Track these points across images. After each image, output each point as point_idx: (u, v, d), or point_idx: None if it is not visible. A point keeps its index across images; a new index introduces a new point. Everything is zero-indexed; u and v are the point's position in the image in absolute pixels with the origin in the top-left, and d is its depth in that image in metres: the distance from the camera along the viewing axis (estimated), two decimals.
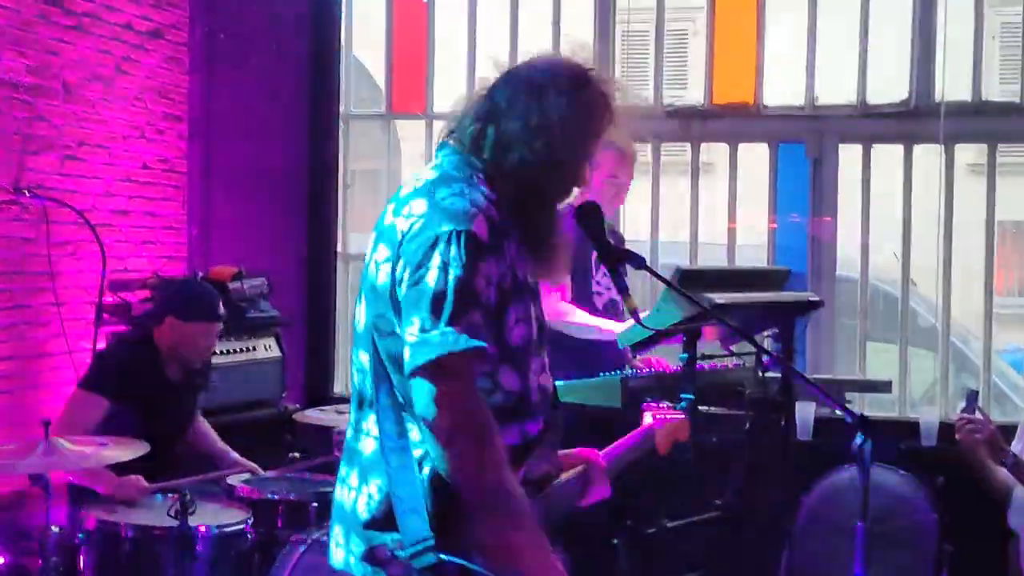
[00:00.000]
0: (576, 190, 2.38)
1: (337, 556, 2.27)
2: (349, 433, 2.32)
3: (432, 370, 2.07)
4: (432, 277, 2.08)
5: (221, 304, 4.34)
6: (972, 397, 4.21)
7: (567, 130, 2.22)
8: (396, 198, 2.24)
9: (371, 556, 2.19)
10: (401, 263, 2.13)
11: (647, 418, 2.81)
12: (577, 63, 2.28)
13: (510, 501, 2.10)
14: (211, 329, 4.26)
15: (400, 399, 2.17)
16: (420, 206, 2.16)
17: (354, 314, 2.29)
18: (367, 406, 2.24)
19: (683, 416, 2.82)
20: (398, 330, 2.13)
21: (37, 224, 4.75)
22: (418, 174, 2.27)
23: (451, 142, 2.29)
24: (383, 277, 2.16)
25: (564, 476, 2.45)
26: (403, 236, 2.14)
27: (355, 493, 2.23)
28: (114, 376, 4.09)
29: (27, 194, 4.67)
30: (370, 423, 2.22)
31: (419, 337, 2.07)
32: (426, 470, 2.15)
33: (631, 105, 2.33)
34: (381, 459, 2.17)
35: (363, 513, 2.21)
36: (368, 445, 2.23)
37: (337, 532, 2.28)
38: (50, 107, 4.84)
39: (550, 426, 2.33)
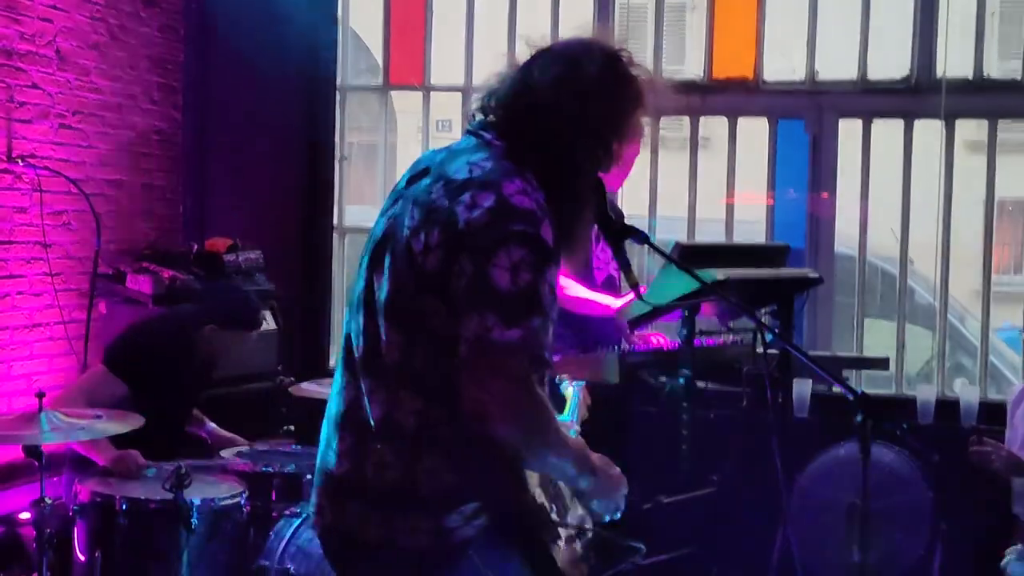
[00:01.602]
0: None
1: (369, 535, 2.19)
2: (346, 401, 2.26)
3: (491, 371, 2.05)
4: (501, 277, 2.06)
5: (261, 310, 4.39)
6: (975, 440, 4.21)
7: (606, 109, 2.22)
8: (442, 176, 2.18)
9: (449, 535, 2.16)
10: (463, 255, 2.09)
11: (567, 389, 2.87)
12: (610, 44, 2.27)
13: (581, 459, 2.22)
14: (249, 337, 4.31)
15: (450, 377, 2.11)
16: (485, 197, 2.11)
17: (367, 281, 2.23)
18: (407, 383, 2.17)
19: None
20: (444, 312, 2.10)
21: (30, 193, 4.72)
22: (469, 157, 2.20)
23: (491, 120, 2.25)
24: (433, 263, 2.11)
25: None
26: (466, 226, 2.10)
27: (399, 469, 2.17)
28: (142, 365, 4.04)
29: (20, 163, 4.63)
30: (417, 399, 2.16)
31: (482, 337, 2.04)
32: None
33: (662, 85, 2.32)
34: (439, 435, 2.14)
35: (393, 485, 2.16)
36: (408, 419, 2.17)
37: (369, 513, 2.20)
38: (44, 75, 4.80)
39: None
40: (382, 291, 2.19)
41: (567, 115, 2.20)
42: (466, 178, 2.16)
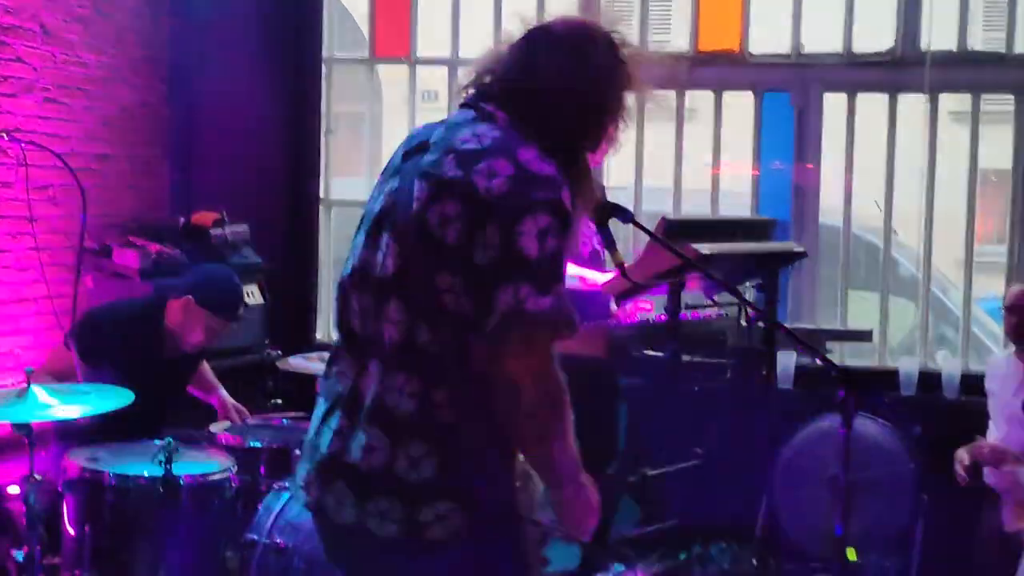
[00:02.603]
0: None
1: (344, 516, 2.18)
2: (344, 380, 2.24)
3: (527, 340, 2.05)
4: (530, 245, 2.05)
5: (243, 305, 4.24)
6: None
7: (609, 96, 2.23)
8: (453, 150, 2.14)
9: (416, 524, 2.12)
10: (487, 225, 2.07)
11: None
12: (607, 27, 2.28)
13: (575, 463, 2.19)
14: (225, 327, 4.14)
15: (458, 357, 2.11)
16: (504, 166, 2.10)
17: (363, 259, 2.20)
18: (409, 363, 2.14)
19: None
20: (460, 287, 2.08)
21: (16, 168, 4.70)
22: (474, 128, 2.18)
23: (490, 95, 2.24)
24: (452, 235, 2.08)
25: None
26: (487, 194, 2.08)
27: (385, 453, 2.14)
28: (113, 349, 3.97)
29: (5, 137, 4.61)
30: (413, 380, 2.14)
31: (517, 307, 2.04)
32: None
33: (657, 63, 2.33)
34: (435, 418, 2.12)
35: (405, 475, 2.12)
36: (402, 402, 2.14)
37: (347, 492, 2.17)
38: (28, 49, 4.77)
39: None
40: (384, 268, 2.16)
41: (574, 102, 2.20)
42: (477, 148, 2.14)
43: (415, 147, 2.23)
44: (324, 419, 2.25)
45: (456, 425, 2.12)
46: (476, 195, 2.08)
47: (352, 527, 2.17)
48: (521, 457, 2.23)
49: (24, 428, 3.50)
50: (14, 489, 4.32)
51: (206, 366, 4.46)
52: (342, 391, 2.23)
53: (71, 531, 3.63)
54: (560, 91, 2.20)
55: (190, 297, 4.04)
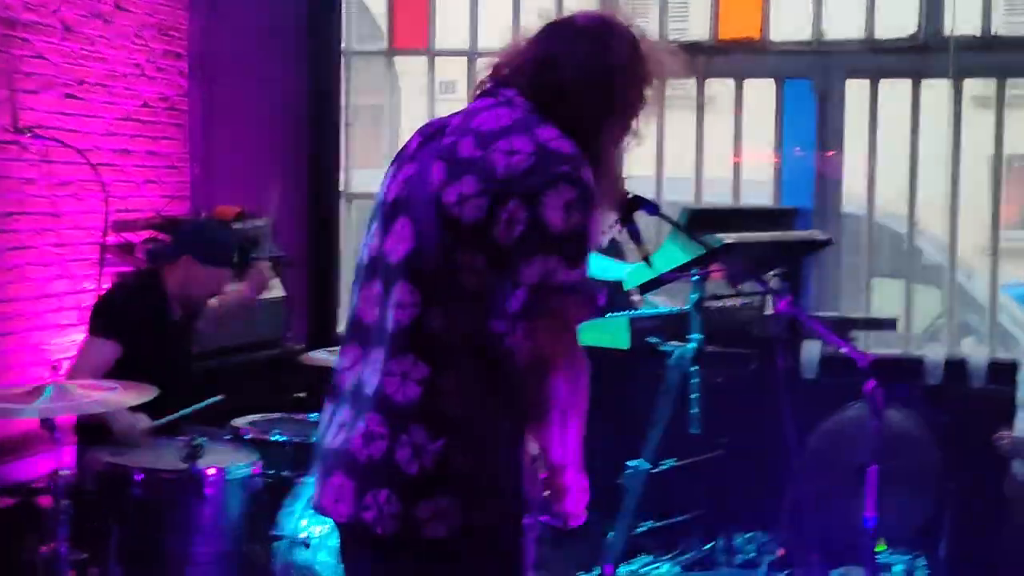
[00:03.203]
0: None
1: (341, 511, 2.13)
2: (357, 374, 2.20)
3: (558, 314, 2.03)
4: (556, 218, 2.03)
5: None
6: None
7: (631, 92, 2.22)
8: (470, 131, 2.14)
9: (414, 518, 2.06)
10: (512, 201, 2.04)
11: None
12: (628, 21, 2.27)
13: (576, 452, 2.16)
14: (225, 275, 4.29)
15: (471, 340, 2.08)
16: (523, 143, 2.09)
17: (376, 246, 2.18)
18: (416, 347, 2.10)
19: None
20: (481, 265, 2.06)
21: (38, 164, 4.71)
22: (494, 112, 2.17)
23: (509, 84, 2.22)
24: (472, 212, 2.06)
25: None
26: (507, 171, 2.06)
27: (385, 442, 2.08)
28: (121, 317, 4.07)
29: (27, 134, 4.62)
30: (419, 365, 2.09)
31: (547, 280, 2.02)
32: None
33: (673, 57, 2.29)
34: (441, 406, 2.07)
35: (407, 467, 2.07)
36: (406, 388, 2.09)
37: (345, 485, 2.12)
38: (49, 45, 4.77)
39: None
40: (396, 254, 2.13)
41: (593, 92, 2.19)
42: (495, 128, 2.13)
43: (431, 133, 2.22)
44: (332, 414, 2.22)
45: (463, 415, 2.07)
46: (495, 172, 2.07)
47: (349, 523, 2.12)
48: (532, 447, 2.18)
49: (49, 423, 3.51)
50: (40, 484, 4.35)
51: None
52: (347, 381, 2.20)
53: (97, 526, 3.64)
54: (579, 81, 2.18)
55: (187, 256, 4.16)
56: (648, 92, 2.25)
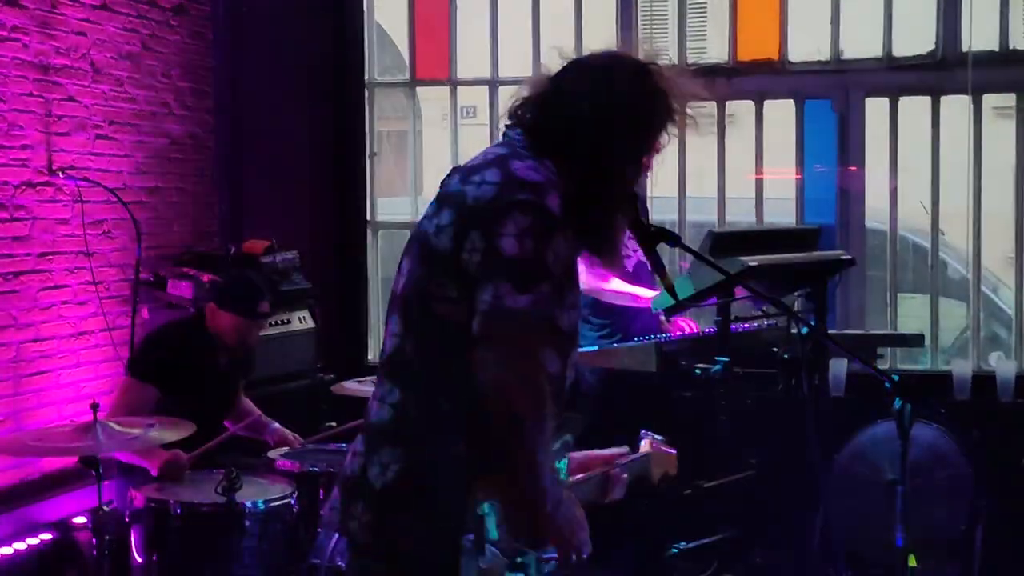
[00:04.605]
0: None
1: (333, 520, 2.27)
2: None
3: (506, 340, 2.06)
4: (508, 245, 2.08)
5: (265, 304, 4.32)
6: None
7: (636, 124, 2.25)
8: (462, 168, 2.25)
9: (382, 528, 2.19)
10: (471, 229, 2.12)
11: (644, 446, 2.71)
12: (639, 56, 2.30)
13: (545, 481, 2.11)
14: (241, 323, 4.24)
15: (437, 367, 2.16)
16: (493, 175, 2.17)
17: (395, 281, 2.29)
18: (395, 373, 2.23)
19: (675, 452, 2.74)
20: (454, 295, 2.12)
21: (71, 204, 4.81)
22: (487, 150, 2.29)
23: (517, 123, 2.30)
24: (444, 242, 2.15)
25: (585, 475, 2.43)
26: (474, 201, 2.14)
27: (362, 459, 2.23)
28: (164, 364, 4.14)
29: (61, 175, 4.72)
30: (394, 391, 2.21)
31: (495, 304, 2.06)
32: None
33: (691, 89, 2.30)
34: (405, 428, 2.19)
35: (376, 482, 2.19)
36: (382, 411, 2.22)
37: (337, 498, 2.28)
38: (80, 87, 4.88)
39: (560, 425, 2.29)
40: (397, 287, 2.27)
41: (596, 129, 2.22)
42: (479, 163, 2.23)
43: (451, 173, 2.30)
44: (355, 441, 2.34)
45: (423, 435, 2.17)
46: (465, 203, 2.16)
47: (340, 533, 2.31)
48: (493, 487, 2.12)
49: (91, 460, 3.59)
50: (80, 519, 4.42)
51: (249, 403, 4.56)
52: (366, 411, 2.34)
53: (139, 559, 3.71)
54: (580, 119, 2.22)
55: (211, 304, 4.27)
56: (660, 129, 2.28)
